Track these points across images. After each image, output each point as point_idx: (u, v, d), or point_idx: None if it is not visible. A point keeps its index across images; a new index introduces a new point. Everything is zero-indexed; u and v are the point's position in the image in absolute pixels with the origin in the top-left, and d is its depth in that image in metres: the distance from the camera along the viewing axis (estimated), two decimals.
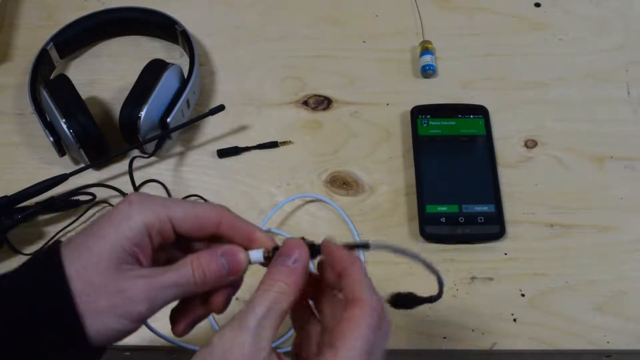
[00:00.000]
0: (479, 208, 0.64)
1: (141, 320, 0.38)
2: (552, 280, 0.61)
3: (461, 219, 0.63)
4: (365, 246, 0.40)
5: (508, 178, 0.66)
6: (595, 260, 0.62)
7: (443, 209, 0.64)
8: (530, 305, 0.60)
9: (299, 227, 0.64)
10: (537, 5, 0.79)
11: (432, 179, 0.65)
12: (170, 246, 0.41)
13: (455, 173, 0.66)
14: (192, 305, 0.42)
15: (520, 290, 0.61)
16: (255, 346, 0.35)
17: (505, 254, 0.63)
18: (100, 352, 0.39)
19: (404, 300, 0.42)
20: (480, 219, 0.63)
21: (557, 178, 0.67)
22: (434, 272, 0.41)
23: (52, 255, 0.38)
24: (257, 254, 0.40)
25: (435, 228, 0.63)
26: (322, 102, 0.72)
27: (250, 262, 0.40)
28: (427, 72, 0.73)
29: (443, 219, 0.63)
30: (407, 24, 0.78)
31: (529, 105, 0.72)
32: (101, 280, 0.37)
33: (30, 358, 0.37)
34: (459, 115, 0.69)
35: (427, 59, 0.73)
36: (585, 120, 0.71)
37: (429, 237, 0.63)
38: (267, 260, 0.40)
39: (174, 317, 0.42)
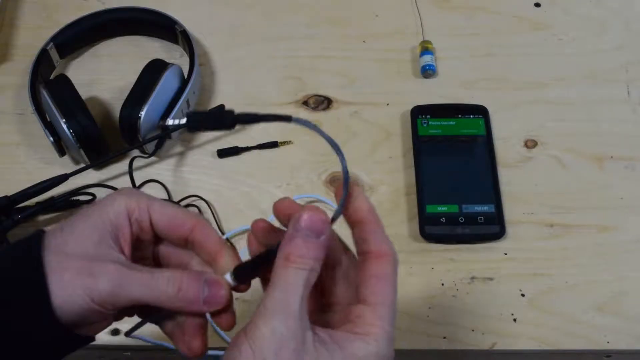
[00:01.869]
0: (479, 208, 0.64)
1: (102, 304, 0.37)
2: (552, 280, 0.61)
3: (461, 219, 0.63)
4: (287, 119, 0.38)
5: (508, 178, 0.66)
6: (595, 260, 0.62)
7: (443, 209, 0.64)
8: (530, 305, 0.60)
9: None
10: (537, 5, 0.79)
11: (432, 179, 0.65)
12: (149, 247, 0.42)
13: (455, 173, 0.66)
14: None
15: (520, 290, 0.61)
16: (303, 329, 0.34)
17: (505, 254, 0.63)
18: (68, 334, 0.38)
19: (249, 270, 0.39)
20: (480, 219, 0.63)
21: (557, 178, 0.67)
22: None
23: (36, 231, 0.39)
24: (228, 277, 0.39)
25: (435, 228, 0.63)
26: (322, 102, 0.72)
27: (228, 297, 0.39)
28: (427, 72, 0.73)
29: (443, 219, 0.63)
30: (407, 24, 0.78)
31: (529, 105, 0.72)
32: (76, 253, 0.37)
33: None
34: (459, 115, 0.69)
35: (427, 59, 0.73)
36: (585, 120, 0.71)
37: (429, 237, 0.63)
38: (236, 281, 0.38)
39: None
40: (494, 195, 0.65)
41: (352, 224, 0.38)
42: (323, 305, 0.39)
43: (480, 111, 0.70)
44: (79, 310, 0.37)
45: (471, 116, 0.69)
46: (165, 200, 0.41)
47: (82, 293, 0.36)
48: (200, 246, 0.40)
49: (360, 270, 0.37)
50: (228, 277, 0.38)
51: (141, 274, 0.38)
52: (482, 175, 0.66)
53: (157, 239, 0.42)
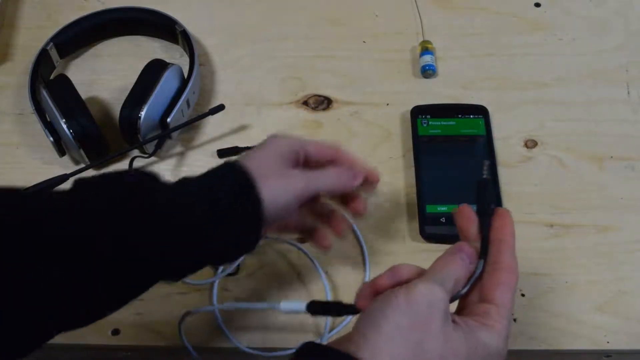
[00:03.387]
0: None
1: (298, 197, 0.48)
2: (552, 280, 0.61)
3: None
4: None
5: (508, 178, 0.66)
6: (595, 260, 0.62)
7: (443, 209, 0.64)
8: (530, 305, 0.60)
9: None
10: (537, 5, 0.79)
11: (432, 179, 0.65)
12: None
13: (456, 173, 0.66)
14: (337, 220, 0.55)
15: (520, 290, 0.61)
16: (447, 304, 0.41)
17: None
18: (262, 229, 0.47)
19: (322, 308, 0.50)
20: None
21: (557, 178, 0.67)
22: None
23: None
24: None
25: (435, 228, 0.63)
26: (322, 102, 0.72)
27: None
28: (427, 72, 0.73)
29: (443, 219, 0.63)
30: (407, 24, 0.78)
31: (529, 105, 0.72)
32: (269, 167, 0.49)
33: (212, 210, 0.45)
34: (459, 115, 0.69)
35: (427, 59, 0.73)
36: (585, 120, 0.71)
37: (429, 237, 0.63)
38: None
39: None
40: (495, 195, 0.64)
41: (495, 239, 0.44)
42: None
43: (480, 111, 0.70)
44: (282, 205, 0.47)
45: (471, 116, 0.69)
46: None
47: (285, 190, 0.47)
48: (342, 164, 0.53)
49: (490, 277, 0.43)
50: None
51: (318, 170, 0.51)
52: (482, 175, 0.66)
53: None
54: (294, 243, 0.63)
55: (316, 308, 0.49)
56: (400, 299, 0.39)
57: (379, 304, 0.40)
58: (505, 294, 0.42)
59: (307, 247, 0.63)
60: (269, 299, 0.61)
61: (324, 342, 0.46)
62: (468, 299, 0.43)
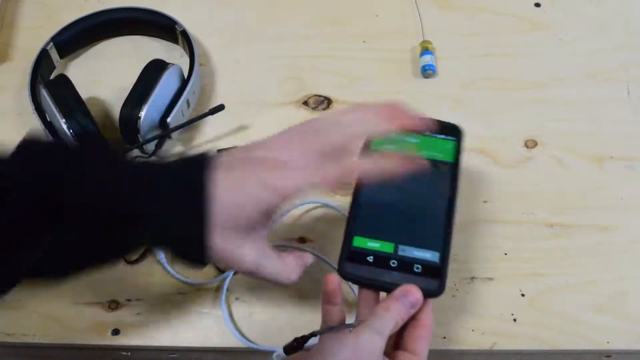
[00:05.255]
0: (419, 253, 0.49)
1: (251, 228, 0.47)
2: (552, 280, 0.61)
3: (393, 263, 0.49)
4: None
5: (508, 178, 0.66)
6: (595, 260, 0.62)
7: (374, 245, 0.50)
8: (530, 305, 0.60)
9: (299, 228, 0.64)
10: (537, 5, 0.79)
11: (370, 205, 0.51)
12: None
13: (402, 204, 0.52)
14: None
15: (520, 290, 0.61)
16: (382, 350, 0.46)
17: (505, 254, 0.63)
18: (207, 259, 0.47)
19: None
20: (417, 268, 0.49)
21: (557, 178, 0.67)
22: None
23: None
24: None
25: (357, 267, 0.49)
26: (322, 102, 0.72)
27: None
28: (427, 72, 0.73)
29: (371, 258, 0.49)
30: (407, 24, 0.78)
31: (529, 105, 0.72)
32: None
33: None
34: (427, 132, 0.54)
35: (427, 59, 0.73)
36: (585, 120, 0.71)
37: (348, 276, 0.50)
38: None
39: None
40: (442, 241, 0.49)
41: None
42: None
43: (453, 132, 0.55)
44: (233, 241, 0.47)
45: (441, 136, 0.55)
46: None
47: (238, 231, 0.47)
48: None
49: (413, 330, 0.49)
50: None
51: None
52: (434, 213, 0.51)
53: None
54: (290, 245, 0.63)
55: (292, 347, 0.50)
56: (349, 342, 0.46)
57: (330, 342, 0.47)
58: (423, 345, 0.49)
59: (306, 247, 0.63)
60: (269, 299, 0.61)
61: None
62: (388, 348, 0.49)
